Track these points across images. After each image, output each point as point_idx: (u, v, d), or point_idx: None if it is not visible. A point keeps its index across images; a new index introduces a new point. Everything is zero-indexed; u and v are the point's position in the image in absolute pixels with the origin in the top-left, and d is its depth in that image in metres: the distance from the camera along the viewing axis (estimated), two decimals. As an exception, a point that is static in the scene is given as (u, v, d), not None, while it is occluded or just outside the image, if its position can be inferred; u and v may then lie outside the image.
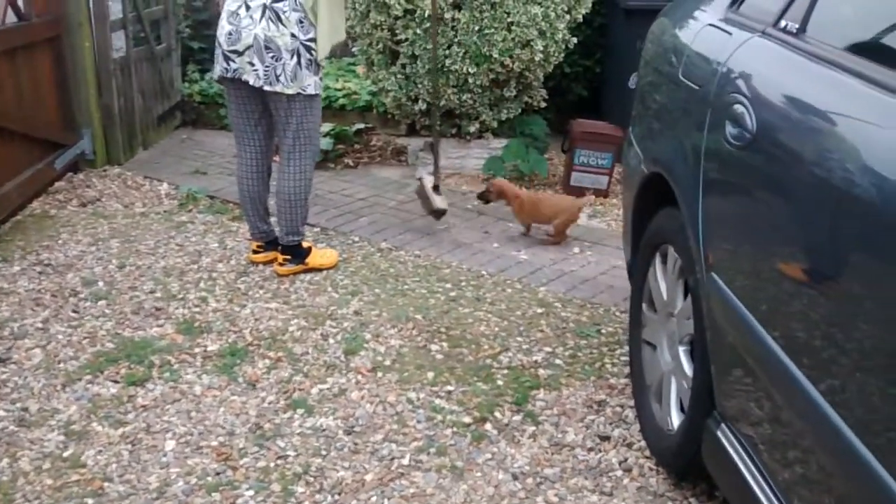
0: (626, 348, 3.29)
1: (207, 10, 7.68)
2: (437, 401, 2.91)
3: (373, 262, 4.17)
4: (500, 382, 3.03)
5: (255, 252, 4.12)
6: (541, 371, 3.11)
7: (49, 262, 4.05)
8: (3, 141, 4.57)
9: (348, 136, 6.16)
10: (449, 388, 2.99)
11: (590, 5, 5.47)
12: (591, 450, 2.65)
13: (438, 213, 4.54)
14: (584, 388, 3.00)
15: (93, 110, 5.50)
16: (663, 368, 2.48)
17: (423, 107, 5.44)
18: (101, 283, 3.82)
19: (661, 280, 2.51)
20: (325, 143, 5.73)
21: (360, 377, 3.07)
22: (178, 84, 6.97)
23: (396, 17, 5.21)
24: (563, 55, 5.49)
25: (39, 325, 3.41)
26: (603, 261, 4.24)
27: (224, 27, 3.75)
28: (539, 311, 3.63)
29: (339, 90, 6.64)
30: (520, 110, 5.63)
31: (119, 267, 4.02)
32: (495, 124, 5.58)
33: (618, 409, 2.86)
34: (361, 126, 6.33)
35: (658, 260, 2.54)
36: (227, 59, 3.75)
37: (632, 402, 2.88)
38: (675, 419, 2.38)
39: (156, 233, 4.50)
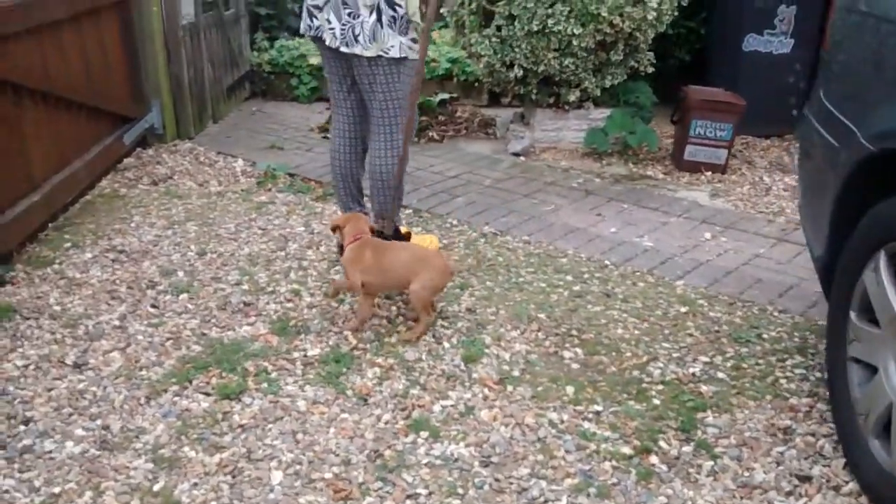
0: (798, 359, 2.78)
1: (275, -25, 7.24)
2: (586, 424, 2.43)
3: (478, 249, 3.70)
4: (656, 401, 2.54)
5: (347, 238, 3.68)
6: (703, 387, 2.61)
7: (123, 247, 3.67)
8: (69, 115, 4.20)
9: (432, 107, 5.68)
10: (596, 407, 2.51)
11: (708, -43, 4.86)
12: (789, 494, 2.15)
13: None
14: (761, 410, 2.49)
15: (161, 80, 5.11)
16: (893, 398, 1.97)
17: (519, 73, 4.91)
18: (180, 273, 3.43)
19: (890, 286, 1.98)
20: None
21: (486, 391, 2.61)
22: (246, 53, 6.57)
23: (493, -26, 4.69)
24: (676, 13, 4.90)
25: (116, 322, 3.03)
26: (742, 248, 3.70)
27: None
28: (682, 309, 3.12)
29: (418, 57, 6.15)
30: (625, 76, 5.07)
31: (199, 254, 3.62)
32: (598, 92, 5.03)
33: (809, 438, 2.35)
34: (446, 96, 5.84)
35: (883, 260, 2.01)
36: (310, 14, 3.31)
37: (825, 430, 2.37)
38: (916, 465, 1.87)
39: (235, 214, 4.09)
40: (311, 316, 3.08)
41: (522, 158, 5.05)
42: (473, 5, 4.83)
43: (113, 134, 4.69)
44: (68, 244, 3.69)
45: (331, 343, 2.89)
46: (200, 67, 5.54)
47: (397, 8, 3.16)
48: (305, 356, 2.81)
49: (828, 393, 2.41)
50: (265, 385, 2.63)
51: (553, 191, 4.44)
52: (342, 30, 3.18)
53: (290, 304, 3.17)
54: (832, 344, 2.28)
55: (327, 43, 3.26)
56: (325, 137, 5.46)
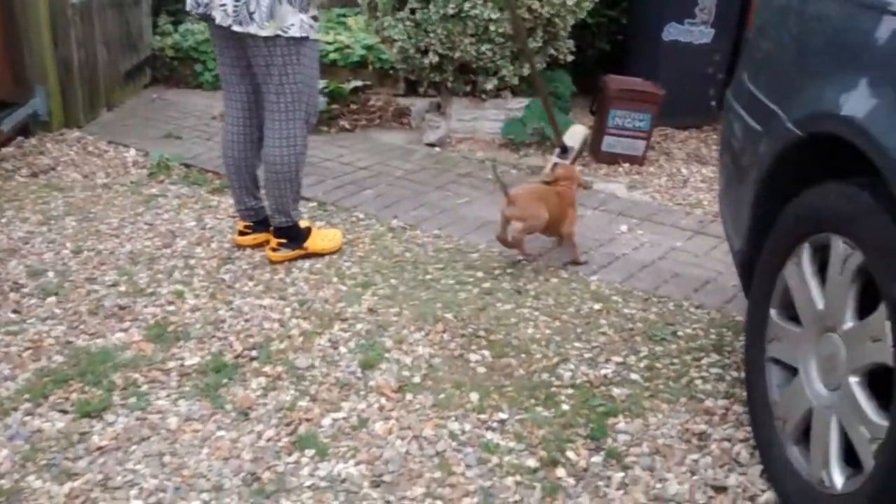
0: (714, 357, 2.63)
1: (180, -47, 6.82)
2: (489, 434, 2.22)
3: (384, 244, 3.45)
4: (565, 407, 2.34)
5: (241, 233, 3.39)
6: (615, 390, 2.43)
7: (-12, 246, 3.30)
8: (-68, 98, 3.79)
9: (344, 95, 5.39)
10: (501, 415, 2.31)
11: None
12: (704, 507, 1.98)
13: None
14: (675, 413, 2.32)
15: (47, 64, 4.70)
16: (813, 402, 1.81)
17: (435, 59, 4.68)
18: (50, 274, 3.09)
19: (813, 282, 1.83)
20: (319, 102, 4.98)
21: (383, 400, 2.37)
22: (147, 36, 6.15)
23: (404, -46, 4.44)
24: (597, 1, 4.75)
25: (-31, 330, 2.68)
26: (658, 242, 3.55)
27: None
28: (596, 307, 2.94)
29: (331, 44, 5.85)
30: (544, 65, 4.89)
31: (74, 252, 3.28)
32: (516, 80, 4.84)
33: (725, 444, 2.19)
34: (359, 84, 5.56)
35: (807, 254, 1.85)
36: None
37: (741, 435, 2.21)
38: (838, 476, 1.71)
39: (121, 208, 3.75)
40: (192, 320, 2.79)
41: (437, 149, 4.83)
42: (384, -14, 4.58)
43: (-12, 120, 4.27)
44: (-75, 242, 3.30)
45: (213, 350, 2.61)
46: (93, 50, 5.13)
47: None
48: (182, 366, 2.52)
49: (746, 395, 2.25)
50: (133, 400, 2.34)
51: (467, 183, 4.23)
52: (235, 6, 2.89)
53: (170, 308, 2.87)
54: (751, 343, 2.12)
55: (217, 21, 2.97)
56: (228, 127, 5.13)
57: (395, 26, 4.66)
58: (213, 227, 3.58)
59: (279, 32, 2.90)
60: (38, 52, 4.64)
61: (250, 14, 2.88)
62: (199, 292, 2.99)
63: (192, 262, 3.23)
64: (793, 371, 1.93)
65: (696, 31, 5.33)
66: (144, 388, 2.41)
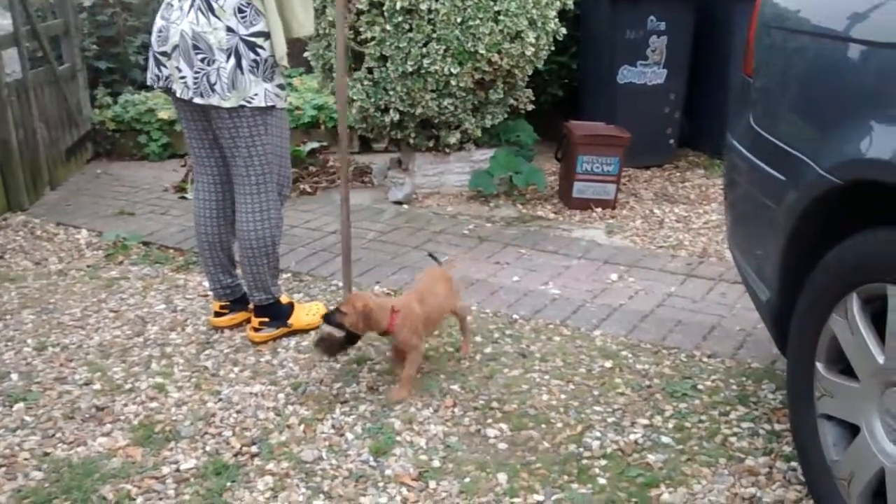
0: (741, 410, 2.53)
1: (115, 25, 6.62)
2: (529, 521, 2.06)
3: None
4: (601, 481, 2.20)
5: (217, 314, 3.18)
6: (649, 456, 2.29)
7: (-61, 350, 3.01)
8: None
9: (301, 158, 5.24)
10: (536, 497, 2.14)
11: (579, -10, 4.73)
12: (775, 582, 1.84)
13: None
14: (719, 477, 2.20)
15: (-16, 146, 4.43)
16: (885, 462, 1.70)
17: (396, 117, 4.57)
18: (14, 377, 2.82)
19: (869, 335, 1.73)
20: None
21: (405, 491, 2.19)
22: (86, 110, 5.91)
23: (360, 13, 4.34)
24: (553, 48, 4.73)
25: (-71, 450, 2.40)
26: (652, 288, 3.47)
27: (156, 22, 2.85)
28: (607, 364, 2.82)
29: (282, 106, 5.70)
30: (505, 115, 4.84)
31: (37, 349, 3.02)
32: (479, 132, 4.77)
33: (779, 507, 2.07)
34: (315, 145, 5.41)
35: (856, 305, 1.76)
36: (157, 62, 2.87)
37: (792, 495, 2.10)
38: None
39: (81, 296, 3.49)
40: (180, 416, 2.56)
41: (405, 206, 4.70)
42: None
43: (-76, 211, 3.98)
44: None
45: (208, 450, 2.39)
46: (32, 129, 4.88)
47: (259, 51, 2.75)
48: (178, 471, 2.29)
49: (789, 451, 2.14)
50: (129, 517, 2.10)
51: (444, 240, 4.10)
52: (195, 78, 2.74)
53: (153, 404, 2.64)
54: (796, 400, 2.02)
55: (178, 94, 2.81)
56: (182, 198, 4.92)
57: (354, 87, 4.54)
58: (184, 310, 3.35)
59: (243, 103, 2.76)
60: (-27, 134, 4.38)
61: (211, 85, 2.74)
62: (181, 384, 2.76)
63: (168, 349, 3.00)
64: (852, 428, 1.82)
65: (649, 73, 5.36)
66: (139, 500, 2.17)
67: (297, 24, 2.85)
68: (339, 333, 2.73)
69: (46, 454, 2.38)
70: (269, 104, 2.81)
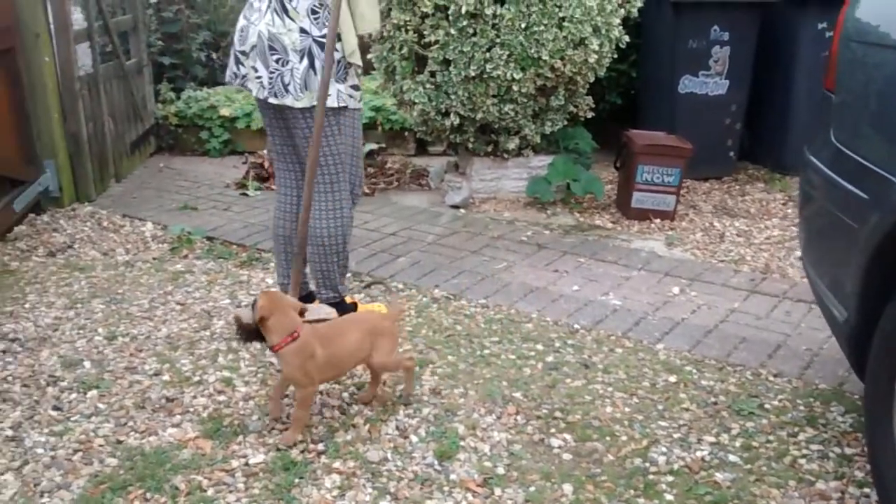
0: (810, 431, 2.49)
1: (179, 22, 6.77)
2: (596, 533, 2.06)
3: (431, 316, 3.31)
4: (668, 497, 2.19)
5: (282, 311, 3.22)
6: (717, 474, 2.27)
7: (15, 335, 3.11)
8: (-53, 180, 3.62)
9: (360, 159, 5.28)
10: (603, 509, 2.14)
11: (644, -3, 4.70)
12: None
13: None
14: (788, 500, 2.17)
15: (57, 138, 4.56)
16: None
17: (456, 121, 4.59)
18: (87, 364, 2.90)
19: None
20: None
21: (470, 497, 2.20)
22: (151, 105, 6.05)
23: (424, 16, 4.37)
24: (615, 56, 4.71)
25: (9, 432, 2.48)
26: (715, 303, 3.43)
27: (239, 21, 2.93)
28: (671, 379, 2.81)
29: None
30: (565, 122, 4.83)
31: (108, 339, 3.10)
32: (538, 139, 4.77)
33: (852, 532, 2.05)
34: (374, 147, 5.46)
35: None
36: (236, 60, 2.95)
37: (865, 520, 2.07)
38: None
39: (148, 288, 3.57)
40: (248, 410, 2.61)
41: (462, 211, 4.72)
42: (405, 50, 4.49)
43: (0, 200, 4.10)
44: (-54, 334, 3.11)
45: (276, 445, 2.42)
46: (100, 122, 5.00)
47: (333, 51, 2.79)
48: (247, 465, 2.34)
49: (863, 476, 2.11)
50: (201, 508, 2.15)
51: (502, 246, 4.11)
52: (270, 78, 2.81)
53: (221, 398, 2.69)
54: (874, 423, 1.99)
55: (254, 93, 2.89)
56: (243, 195, 5.00)
57: (415, 89, 4.57)
58: (248, 305, 3.40)
59: (315, 103, 2.80)
60: (47, 128, 4.51)
61: (285, 86, 2.80)
62: (248, 378, 2.82)
63: (234, 344, 3.06)
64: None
65: (710, 83, 5.31)
66: (210, 492, 2.22)
67: (360, 20, 2.85)
68: (247, 319, 2.48)
69: (120, 442, 2.44)
70: (340, 105, 2.85)
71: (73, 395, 2.69)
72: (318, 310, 2.95)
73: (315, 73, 2.79)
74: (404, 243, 4.15)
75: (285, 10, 2.76)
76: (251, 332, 2.49)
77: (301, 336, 2.40)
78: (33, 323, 3.21)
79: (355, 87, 2.92)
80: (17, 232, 4.21)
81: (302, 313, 2.50)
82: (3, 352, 2.98)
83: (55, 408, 2.62)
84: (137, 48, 5.91)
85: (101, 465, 2.33)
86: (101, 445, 2.42)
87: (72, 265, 3.84)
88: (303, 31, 2.77)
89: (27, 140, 4.44)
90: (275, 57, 2.79)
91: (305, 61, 2.78)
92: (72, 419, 2.56)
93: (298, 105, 2.82)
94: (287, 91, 2.80)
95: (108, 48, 5.39)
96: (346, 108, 2.89)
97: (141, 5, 5.99)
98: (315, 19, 2.77)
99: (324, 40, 2.77)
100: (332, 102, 2.83)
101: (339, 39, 2.81)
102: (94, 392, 2.71)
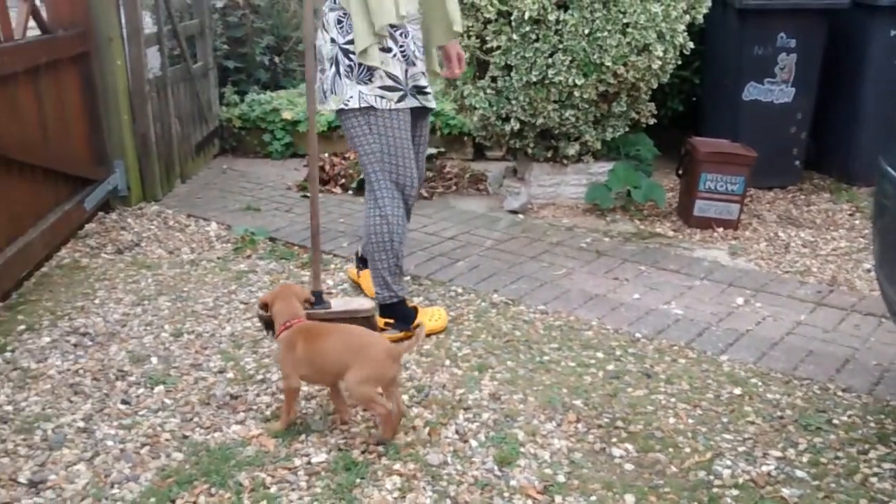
0: (882, 449, 2.42)
1: (243, 27, 6.91)
2: (659, 545, 2.03)
3: (490, 321, 3.30)
4: (734, 511, 2.15)
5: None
6: (783, 490, 2.22)
7: (86, 329, 3.20)
8: (24, 179, 3.76)
9: (419, 163, 5.31)
10: (666, 521, 2.12)
11: (710, 3, 4.62)
12: None
13: None
14: (860, 518, 2.12)
15: (126, 139, 4.69)
16: None
17: (516, 126, 4.59)
18: (154, 360, 2.97)
19: None
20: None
21: None
22: (215, 108, 6.18)
23: (487, 22, 4.38)
24: (678, 62, 4.65)
25: (80, 423, 2.56)
26: (780, 315, 3.36)
27: None
28: (736, 391, 2.75)
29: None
30: (626, 128, 4.78)
31: (174, 335, 3.17)
32: (598, 145, 4.73)
33: (927, 555, 1.98)
34: (433, 151, 5.48)
35: None
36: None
37: (942, 544, 2.00)
38: None
39: (213, 286, 3.65)
40: (309, 410, 2.65)
41: (521, 216, 4.71)
42: (467, 55, 4.50)
43: (72, 198, 4.24)
44: (22, 326, 3.22)
45: (339, 445, 2.45)
46: (168, 124, 5.13)
47: (352, 56, 2.94)
48: (309, 463, 2.36)
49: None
50: (264, 503, 2.19)
51: (561, 252, 4.09)
52: (319, 86, 3.06)
53: (284, 397, 2.72)
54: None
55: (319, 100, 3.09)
56: (304, 196, 5.07)
57: (476, 95, 4.58)
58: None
59: (342, 105, 2.97)
60: (116, 128, 4.64)
61: (324, 92, 3.04)
62: (309, 379, 2.85)
63: (295, 344, 3.09)
64: None
65: (776, 91, 5.19)
66: (273, 489, 2.25)
67: (377, 12, 2.84)
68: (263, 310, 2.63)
69: (185, 437, 2.50)
70: (363, 105, 2.95)
71: (141, 390, 2.77)
72: (348, 301, 3.10)
73: (340, 78, 2.97)
74: (463, 247, 4.16)
75: (323, 24, 2.99)
76: (268, 322, 2.61)
77: (293, 327, 2.46)
78: (103, 318, 3.31)
79: (387, 88, 2.94)
80: (87, 230, 4.34)
81: (310, 304, 2.60)
82: (75, 345, 3.08)
83: (124, 401, 2.69)
84: (204, 52, 6.05)
85: (168, 459, 2.38)
86: (167, 440, 2.48)
87: (139, 263, 3.94)
88: (332, 40, 2.96)
89: (98, 141, 4.58)
90: (320, 67, 3.04)
91: (334, 68, 2.97)
92: (140, 413, 2.62)
93: (328, 108, 3.07)
94: (325, 97, 3.04)
95: (176, 52, 5.53)
96: (371, 108, 2.93)
97: (208, 10, 6.13)
98: (340, 28, 2.93)
99: (347, 47, 2.92)
100: (354, 104, 2.96)
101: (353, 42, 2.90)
102: (160, 387, 2.78)
